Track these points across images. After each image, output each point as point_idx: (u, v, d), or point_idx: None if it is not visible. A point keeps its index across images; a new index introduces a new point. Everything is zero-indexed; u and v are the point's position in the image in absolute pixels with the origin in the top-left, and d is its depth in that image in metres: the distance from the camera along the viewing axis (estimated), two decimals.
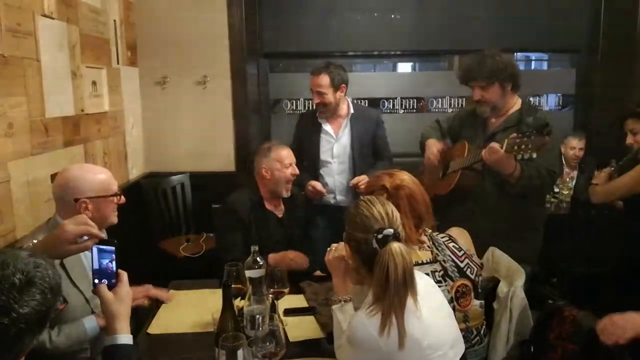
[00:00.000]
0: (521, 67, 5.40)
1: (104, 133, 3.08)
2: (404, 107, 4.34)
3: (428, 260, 1.67)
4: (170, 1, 3.63)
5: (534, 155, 1.97)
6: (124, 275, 1.40)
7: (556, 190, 3.68)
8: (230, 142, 3.80)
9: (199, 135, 3.82)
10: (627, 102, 3.50)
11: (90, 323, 1.69)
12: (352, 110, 2.94)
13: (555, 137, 2.19)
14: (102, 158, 3.05)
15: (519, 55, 6.03)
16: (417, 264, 1.66)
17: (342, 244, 1.66)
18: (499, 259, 1.92)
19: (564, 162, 3.75)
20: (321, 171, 2.96)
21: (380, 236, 1.38)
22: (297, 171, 2.51)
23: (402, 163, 3.01)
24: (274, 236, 2.45)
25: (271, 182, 2.45)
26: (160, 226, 3.68)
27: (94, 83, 2.95)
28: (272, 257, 2.28)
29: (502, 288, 1.74)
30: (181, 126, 3.78)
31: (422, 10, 4.09)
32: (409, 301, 1.36)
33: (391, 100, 4.32)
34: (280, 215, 2.53)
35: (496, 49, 2.38)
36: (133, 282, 2.00)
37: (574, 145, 3.74)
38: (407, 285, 1.36)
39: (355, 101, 3.17)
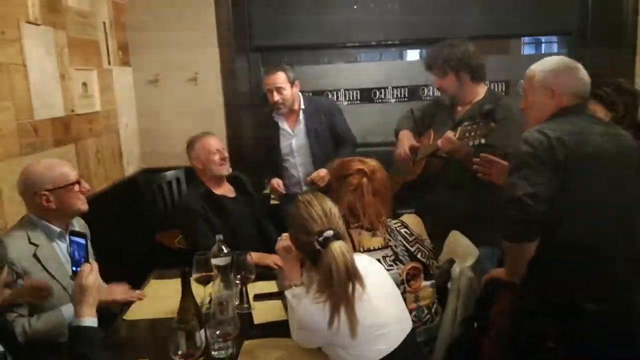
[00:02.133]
0: (531, 50, 5.42)
1: (96, 132, 3.22)
2: (395, 96, 4.39)
3: (379, 247, 1.76)
4: (160, 1, 3.74)
5: (482, 141, 2.05)
6: (88, 267, 1.56)
7: None
8: (222, 136, 3.91)
9: (192, 131, 3.87)
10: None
11: (68, 309, 1.82)
12: (302, 106, 3.06)
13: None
14: (95, 155, 3.19)
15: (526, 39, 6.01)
16: (369, 250, 1.76)
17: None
18: (458, 241, 2.00)
19: None
20: (285, 165, 3.13)
21: (321, 239, 1.48)
22: (225, 154, 2.64)
23: (390, 152, 3.13)
24: (234, 217, 2.58)
25: (205, 170, 2.60)
26: (156, 220, 3.81)
27: (84, 84, 3.08)
28: (253, 256, 2.39)
29: (456, 268, 1.81)
30: (175, 123, 3.89)
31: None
32: (357, 287, 1.47)
33: (383, 90, 4.38)
34: (232, 196, 2.67)
35: (461, 39, 2.44)
36: (129, 273, 2.16)
37: None
38: (351, 278, 1.46)
39: (306, 94, 3.31)
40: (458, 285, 1.73)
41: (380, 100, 4.35)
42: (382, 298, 1.54)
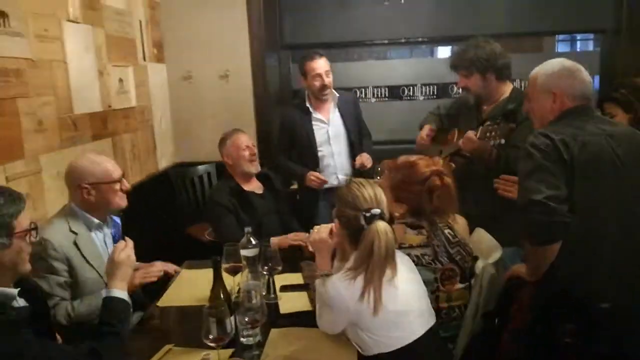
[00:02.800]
0: (565, 48, 5.36)
1: (132, 126, 3.33)
2: (424, 94, 4.40)
3: (419, 244, 1.79)
4: (193, 0, 3.84)
5: (502, 141, 2.07)
6: (123, 244, 1.73)
7: None
8: (252, 132, 3.98)
9: (223, 127, 3.97)
10: None
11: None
12: (337, 94, 3.12)
13: None
14: (131, 150, 3.30)
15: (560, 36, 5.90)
16: (411, 247, 1.79)
17: (324, 226, 1.82)
18: (482, 238, 2.02)
19: None
20: (320, 155, 3.14)
21: (368, 214, 1.55)
22: (254, 151, 2.74)
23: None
24: (261, 212, 2.67)
25: (236, 166, 2.69)
26: (188, 213, 3.92)
27: (120, 80, 3.19)
28: (273, 240, 2.48)
29: (479, 265, 1.84)
30: (207, 118, 4.00)
31: None
32: (388, 271, 1.53)
33: (411, 87, 4.40)
34: (260, 192, 2.76)
35: (486, 38, 2.46)
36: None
37: None
38: (388, 260, 1.53)
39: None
40: (481, 281, 1.76)
41: (408, 98, 4.37)
42: (407, 290, 1.60)
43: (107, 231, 2.10)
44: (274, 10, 4.09)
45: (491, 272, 1.76)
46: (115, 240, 1.84)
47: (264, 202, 2.72)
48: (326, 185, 3.11)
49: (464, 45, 2.47)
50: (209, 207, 2.73)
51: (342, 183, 3.06)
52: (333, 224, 1.75)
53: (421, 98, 4.39)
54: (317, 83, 3.04)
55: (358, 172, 3.00)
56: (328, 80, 3.04)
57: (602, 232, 1.65)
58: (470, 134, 2.21)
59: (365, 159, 2.99)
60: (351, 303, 1.52)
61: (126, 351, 1.65)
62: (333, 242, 1.76)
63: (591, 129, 1.71)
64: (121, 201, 2.06)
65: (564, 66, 1.82)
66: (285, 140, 3.25)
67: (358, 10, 4.16)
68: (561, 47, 6.24)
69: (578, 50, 6.95)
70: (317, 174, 3.08)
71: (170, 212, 3.76)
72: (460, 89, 2.54)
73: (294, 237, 2.52)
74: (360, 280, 1.53)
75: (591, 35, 5.20)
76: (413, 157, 1.91)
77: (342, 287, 1.54)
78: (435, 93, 4.39)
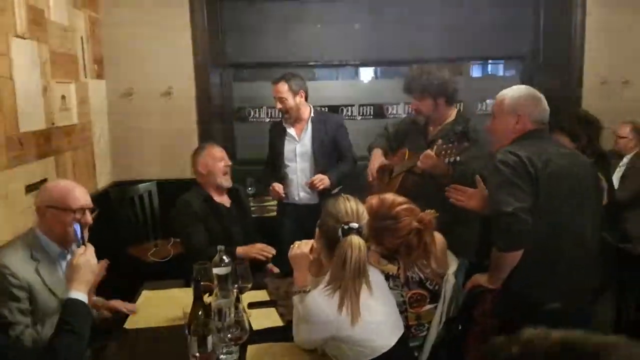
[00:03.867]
0: (479, 72, 5.76)
1: (74, 144, 3.23)
2: (361, 114, 4.59)
3: (392, 273, 1.86)
4: (135, 15, 3.79)
5: (458, 159, 2.26)
6: (83, 249, 1.73)
7: None
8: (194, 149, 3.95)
9: (165, 144, 3.98)
10: (565, 107, 3.83)
11: None
12: (312, 114, 3.20)
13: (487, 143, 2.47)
14: (72, 169, 3.19)
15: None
16: (382, 273, 1.87)
17: (304, 242, 1.89)
18: None
19: None
20: (286, 170, 3.23)
21: (346, 227, 1.63)
22: (229, 163, 2.80)
23: (359, 166, 3.31)
24: (227, 225, 2.72)
25: (208, 176, 2.74)
26: (129, 233, 3.82)
27: (63, 97, 3.09)
28: (239, 249, 2.54)
29: None
30: (148, 135, 3.94)
31: (378, 21, 4.36)
32: (363, 284, 1.62)
33: (349, 107, 4.58)
34: (228, 206, 2.81)
35: (436, 65, 2.67)
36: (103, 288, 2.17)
37: None
38: (360, 275, 1.61)
39: (318, 108, 3.45)
40: (444, 291, 1.89)
41: (347, 117, 4.54)
42: (382, 301, 1.69)
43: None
44: (217, 28, 4.12)
45: (452, 282, 1.91)
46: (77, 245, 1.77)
47: (231, 216, 2.77)
48: (289, 201, 3.21)
49: (413, 72, 2.65)
50: (178, 210, 2.71)
51: (302, 200, 3.17)
52: (312, 240, 1.82)
53: (359, 118, 4.58)
54: (276, 106, 3.15)
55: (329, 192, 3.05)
56: (281, 105, 3.11)
57: (560, 240, 1.86)
58: (429, 151, 2.38)
59: (316, 180, 3.05)
60: (332, 316, 1.59)
61: None
62: (313, 257, 1.83)
63: (551, 149, 1.92)
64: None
65: (530, 93, 2.03)
66: (269, 151, 3.37)
67: (298, 32, 4.30)
68: (475, 72, 6.64)
69: (489, 73, 7.46)
70: (278, 186, 3.16)
71: (109, 233, 3.64)
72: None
73: (260, 250, 2.56)
74: (338, 292, 1.60)
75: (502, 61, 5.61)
76: (396, 205, 1.90)
77: (322, 301, 1.61)
78: (372, 113, 4.59)
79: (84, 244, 1.76)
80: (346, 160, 3.23)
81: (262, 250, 2.58)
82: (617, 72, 4.09)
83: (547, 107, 2.02)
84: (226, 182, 2.77)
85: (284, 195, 3.16)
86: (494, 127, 2.11)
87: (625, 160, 3.46)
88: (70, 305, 1.63)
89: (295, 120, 3.19)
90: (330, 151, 3.22)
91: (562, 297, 1.84)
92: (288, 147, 3.22)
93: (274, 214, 3.46)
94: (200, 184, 2.77)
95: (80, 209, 1.93)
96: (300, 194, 3.22)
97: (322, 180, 3.04)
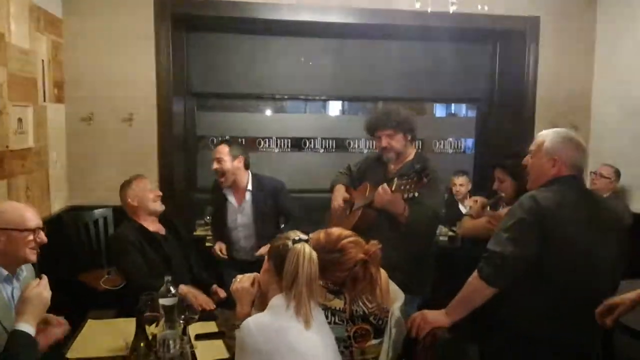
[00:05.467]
0: (443, 112, 5.95)
1: (28, 168, 3.18)
2: (324, 147, 4.67)
3: (339, 308, 1.88)
4: (98, 40, 3.80)
5: (416, 194, 2.33)
6: (36, 281, 1.74)
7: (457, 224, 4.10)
8: (155, 177, 3.93)
9: (124, 171, 3.89)
10: (515, 146, 3.99)
11: None
12: (249, 187, 3.19)
13: (444, 182, 2.57)
14: (25, 192, 3.13)
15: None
16: (326, 307, 1.89)
17: (246, 275, 1.89)
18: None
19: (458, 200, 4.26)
20: (230, 234, 3.26)
21: (296, 238, 1.68)
22: (159, 192, 2.85)
23: (320, 198, 3.36)
24: (166, 252, 2.72)
25: (140, 206, 2.76)
26: (81, 259, 3.74)
27: (19, 120, 3.05)
28: (183, 287, 2.53)
29: None
30: (106, 161, 3.91)
31: (342, 59, 4.50)
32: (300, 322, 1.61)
33: (312, 140, 4.65)
34: (163, 234, 2.82)
35: (397, 105, 2.78)
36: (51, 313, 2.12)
37: (455, 182, 4.31)
38: (312, 282, 1.63)
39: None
40: (390, 326, 1.92)
41: (310, 150, 4.61)
42: (319, 337, 1.66)
43: (17, 284, 1.97)
44: (182, 57, 4.16)
45: (397, 316, 1.94)
46: None
47: (168, 244, 2.77)
48: (233, 255, 3.26)
49: (382, 111, 2.75)
50: (114, 244, 2.70)
51: (248, 260, 3.17)
52: (255, 273, 1.83)
53: (321, 150, 4.65)
54: (213, 166, 3.15)
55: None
56: (218, 165, 3.11)
57: (567, 288, 1.91)
58: (385, 186, 2.43)
59: (264, 252, 3.06)
60: (263, 345, 1.56)
61: None
62: (255, 291, 1.83)
63: (574, 197, 1.96)
64: (31, 255, 1.93)
65: (569, 137, 2.04)
66: (213, 211, 3.49)
67: (260, 65, 4.37)
68: (439, 111, 6.83)
69: (452, 112, 7.71)
70: (221, 245, 3.24)
71: (61, 258, 3.56)
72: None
73: (203, 302, 2.55)
74: (292, 300, 1.61)
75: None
76: (342, 238, 1.90)
77: (253, 325, 1.59)
78: (334, 147, 4.67)
79: (39, 276, 1.76)
80: (290, 222, 3.23)
81: (205, 303, 2.56)
82: (566, 117, 4.31)
83: (585, 152, 2.05)
84: (159, 206, 2.81)
85: (226, 257, 3.21)
86: (530, 166, 2.13)
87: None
88: (16, 337, 1.62)
89: (232, 185, 3.19)
90: (272, 218, 3.25)
91: (566, 332, 1.91)
92: (230, 217, 3.24)
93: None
94: (132, 217, 2.77)
95: (37, 228, 1.94)
96: (244, 257, 3.23)
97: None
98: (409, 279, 2.36)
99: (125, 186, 2.80)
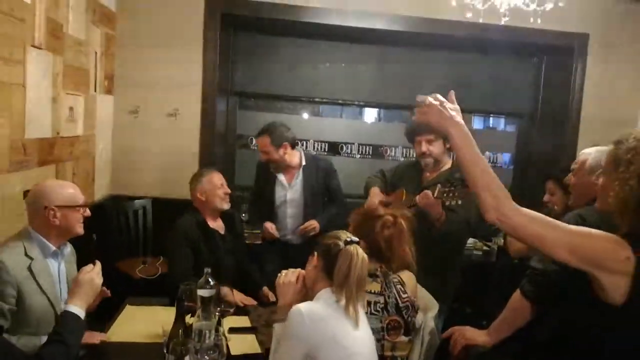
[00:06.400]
0: (481, 125, 5.90)
1: (75, 155, 3.29)
2: (361, 153, 4.68)
3: (376, 292, 1.94)
4: (150, 36, 3.90)
5: (459, 202, 2.32)
6: (90, 267, 1.83)
7: (492, 240, 4.04)
8: (194, 171, 4.00)
9: (165, 163, 4.04)
10: (556, 163, 3.93)
11: None
12: (303, 162, 3.25)
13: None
14: (71, 178, 3.24)
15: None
16: (367, 292, 1.93)
17: (291, 270, 1.92)
18: (421, 293, 2.21)
19: None
20: (277, 212, 3.29)
21: (348, 239, 1.74)
22: (228, 190, 2.86)
23: (356, 203, 3.36)
24: (221, 251, 2.77)
25: (208, 202, 2.80)
26: (119, 247, 3.84)
27: (70, 109, 3.17)
28: (224, 289, 2.55)
29: (419, 319, 2.01)
30: (149, 153, 4.00)
31: (383, 66, 4.50)
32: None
33: (350, 145, 4.67)
34: (222, 232, 2.85)
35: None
36: None
37: None
38: (362, 285, 1.70)
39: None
40: (423, 334, 1.93)
41: (346, 155, 4.63)
42: (364, 334, 1.72)
43: (61, 260, 2.08)
44: (227, 58, 4.24)
45: (431, 326, 1.94)
46: None
47: (224, 243, 2.81)
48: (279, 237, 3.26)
49: None
50: (170, 235, 2.76)
51: (292, 241, 3.23)
52: (300, 269, 1.86)
53: (358, 156, 4.66)
54: (261, 157, 3.22)
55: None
56: (266, 157, 3.18)
57: None
58: (428, 191, 2.45)
59: (308, 228, 3.13)
60: (310, 331, 1.61)
61: None
62: (299, 287, 1.86)
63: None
64: (80, 228, 2.07)
65: None
66: (256, 190, 3.43)
67: (307, 68, 4.42)
68: (477, 124, 6.76)
69: (490, 126, 7.63)
70: (271, 226, 3.22)
71: (100, 245, 3.67)
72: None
73: (241, 299, 2.62)
74: (342, 298, 1.66)
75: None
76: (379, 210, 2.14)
77: (305, 311, 1.63)
78: (371, 153, 4.68)
79: (93, 262, 1.86)
80: (336, 203, 3.29)
81: (243, 299, 2.63)
82: (610, 137, 4.20)
83: None
84: (226, 204, 2.83)
85: (277, 235, 3.22)
86: (572, 184, 2.11)
87: None
88: (66, 318, 1.70)
89: (284, 169, 3.24)
90: (321, 196, 3.29)
91: None
92: (278, 193, 3.27)
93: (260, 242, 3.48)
94: (197, 208, 2.82)
95: (84, 204, 2.08)
96: (289, 237, 3.27)
97: (314, 227, 3.12)
98: (439, 286, 2.36)
99: (196, 179, 2.87)
